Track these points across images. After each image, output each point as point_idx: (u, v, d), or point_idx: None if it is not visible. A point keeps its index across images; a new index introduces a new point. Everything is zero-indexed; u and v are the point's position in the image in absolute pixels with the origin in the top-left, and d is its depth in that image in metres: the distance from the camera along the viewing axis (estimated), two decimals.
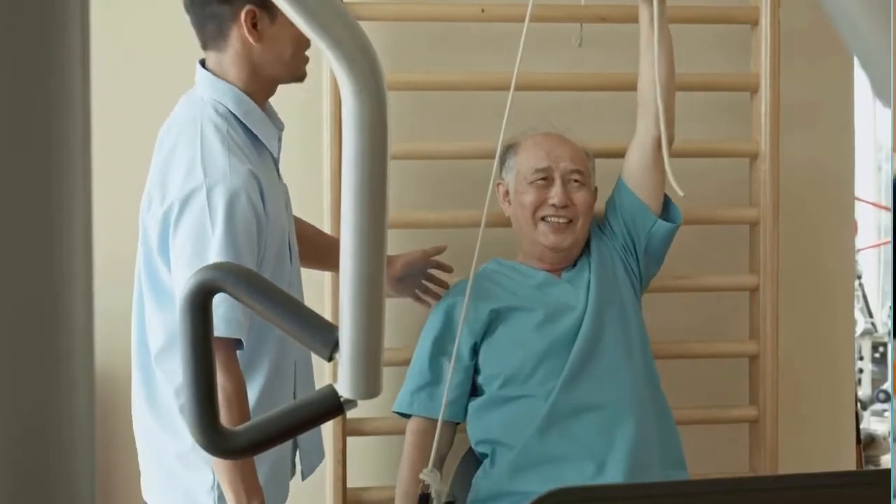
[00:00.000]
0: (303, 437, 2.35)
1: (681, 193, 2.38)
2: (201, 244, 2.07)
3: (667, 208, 2.65)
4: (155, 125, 2.34)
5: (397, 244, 2.70)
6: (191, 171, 2.11)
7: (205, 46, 2.24)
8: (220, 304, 2.01)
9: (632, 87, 2.82)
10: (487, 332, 2.59)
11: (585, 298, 2.59)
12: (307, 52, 2.27)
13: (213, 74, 2.22)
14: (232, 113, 2.19)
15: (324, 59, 2.34)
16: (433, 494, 2.36)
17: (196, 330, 1.12)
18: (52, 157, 0.62)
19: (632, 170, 2.62)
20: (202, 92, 2.22)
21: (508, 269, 2.68)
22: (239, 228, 2.08)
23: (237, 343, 2.09)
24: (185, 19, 2.25)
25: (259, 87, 2.23)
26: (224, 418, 2.04)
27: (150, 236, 2.16)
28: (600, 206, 2.70)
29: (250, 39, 2.18)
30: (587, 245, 2.69)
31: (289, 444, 2.34)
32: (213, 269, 1.16)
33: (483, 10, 2.76)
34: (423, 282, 2.74)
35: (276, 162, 2.30)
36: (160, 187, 2.15)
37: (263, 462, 2.19)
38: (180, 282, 2.09)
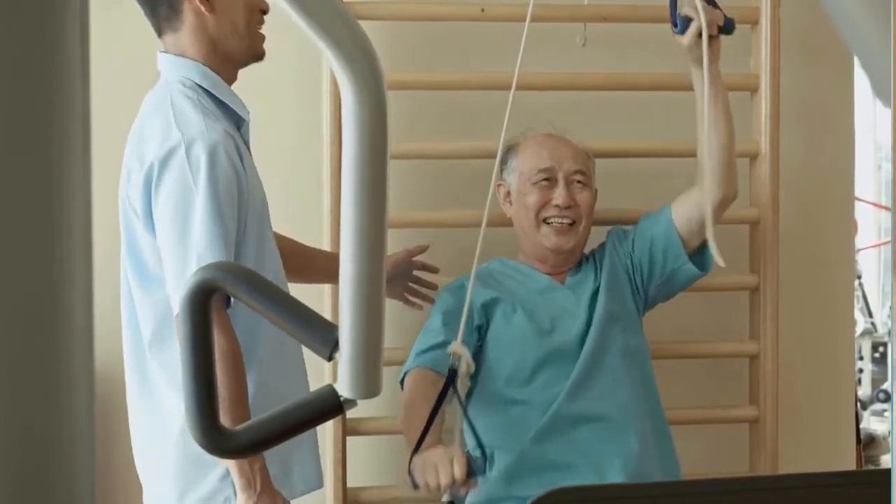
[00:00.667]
0: None
1: (721, 264, 2.35)
2: (185, 200, 2.07)
3: (702, 253, 2.63)
4: None
5: (397, 244, 2.70)
6: (167, 133, 2.11)
7: (160, 32, 2.24)
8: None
9: (633, 86, 2.82)
10: (491, 319, 2.57)
11: (589, 308, 2.59)
12: (265, 32, 2.27)
13: (175, 56, 2.22)
14: (199, 86, 2.20)
15: (324, 59, 2.34)
16: (462, 368, 2.22)
17: (196, 330, 1.12)
18: (52, 157, 0.62)
19: (682, 212, 2.59)
20: (166, 74, 2.23)
21: (512, 269, 2.68)
22: (221, 183, 2.08)
23: (226, 301, 2.07)
24: None
25: (220, 63, 2.23)
26: (220, 377, 2.02)
27: (133, 209, 2.15)
28: (599, 206, 2.70)
29: (203, 10, 2.19)
30: (601, 253, 2.68)
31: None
32: (213, 269, 1.16)
33: (483, 10, 2.76)
34: (411, 284, 2.73)
35: (246, 141, 2.28)
36: (137, 156, 2.15)
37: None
38: (166, 241, 2.09)
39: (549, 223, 2.61)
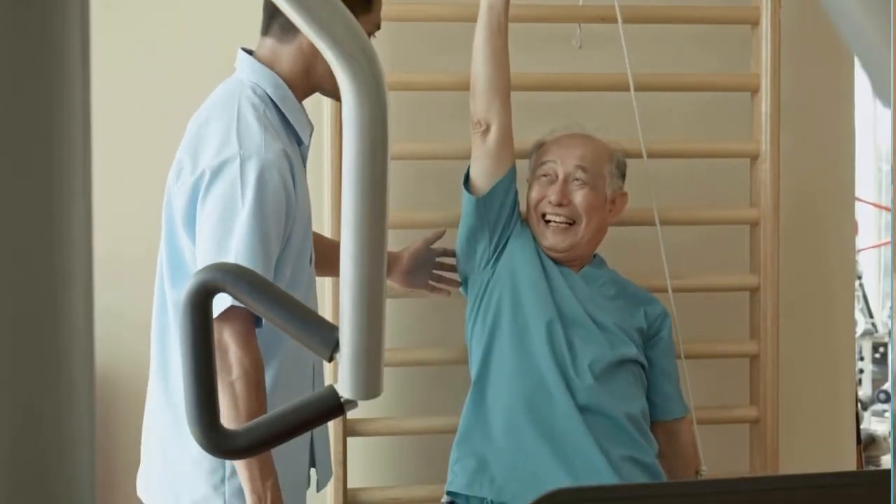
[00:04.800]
0: (319, 449, 2.35)
1: None
2: (229, 214, 2.06)
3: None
4: (155, 125, 2.34)
5: (397, 245, 2.70)
6: (225, 142, 2.10)
7: (266, 31, 2.23)
8: None
9: (629, 87, 2.82)
10: (511, 244, 2.60)
11: (600, 305, 2.60)
12: None
13: (257, 61, 2.22)
14: (269, 97, 2.19)
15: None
16: None
17: (196, 330, 1.12)
18: (52, 157, 0.62)
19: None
20: (241, 74, 2.23)
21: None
22: (269, 203, 2.07)
23: (256, 319, 2.05)
24: (187, 20, 2.24)
25: (301, 86, 2.23)
26: (241, 394, 2.02)
27: (175, 209, 2.14)
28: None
29: None
30: (634, 289, 2.70)
31: (306, 459, 2.32)
32: (214, 270, 1.16)
33: None
34: (435, 272, 2.72)
35: (304, 158, 2.28)
36: (192, 156, 2.13)
37: (282, 478, 2.16)
38: (202, 252, 2.07)
39: (547, 222, 2.61)
